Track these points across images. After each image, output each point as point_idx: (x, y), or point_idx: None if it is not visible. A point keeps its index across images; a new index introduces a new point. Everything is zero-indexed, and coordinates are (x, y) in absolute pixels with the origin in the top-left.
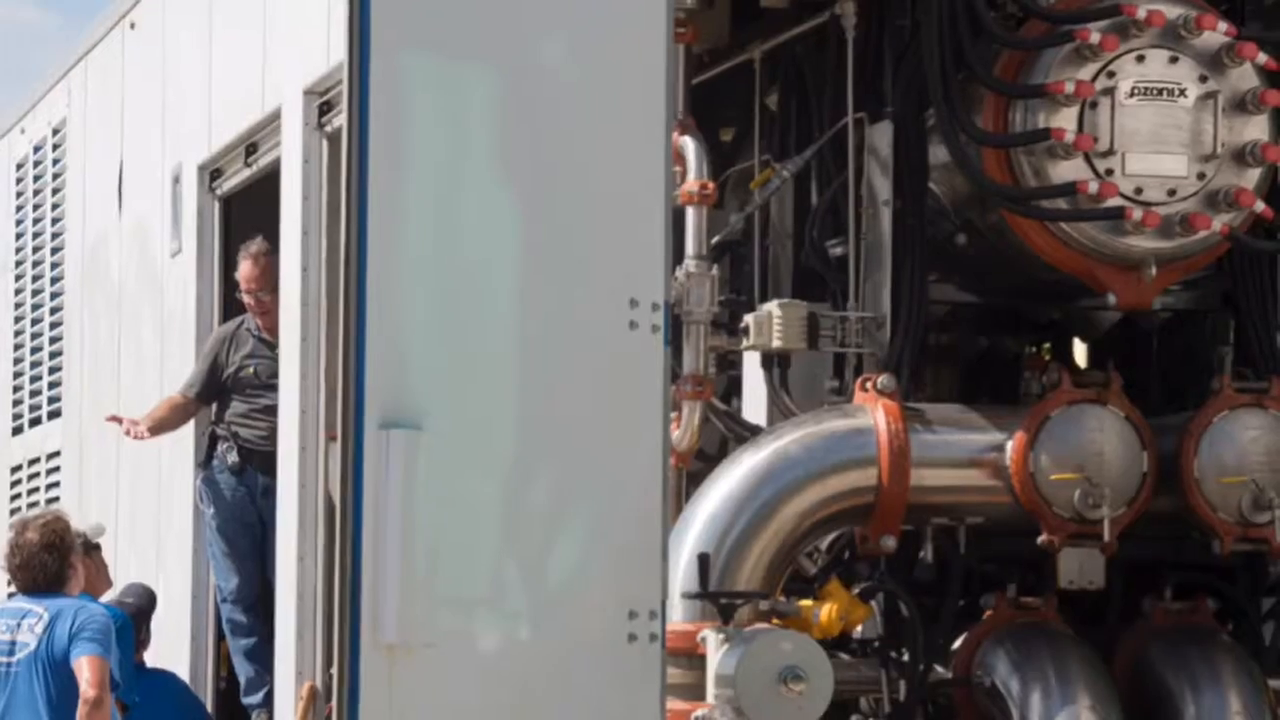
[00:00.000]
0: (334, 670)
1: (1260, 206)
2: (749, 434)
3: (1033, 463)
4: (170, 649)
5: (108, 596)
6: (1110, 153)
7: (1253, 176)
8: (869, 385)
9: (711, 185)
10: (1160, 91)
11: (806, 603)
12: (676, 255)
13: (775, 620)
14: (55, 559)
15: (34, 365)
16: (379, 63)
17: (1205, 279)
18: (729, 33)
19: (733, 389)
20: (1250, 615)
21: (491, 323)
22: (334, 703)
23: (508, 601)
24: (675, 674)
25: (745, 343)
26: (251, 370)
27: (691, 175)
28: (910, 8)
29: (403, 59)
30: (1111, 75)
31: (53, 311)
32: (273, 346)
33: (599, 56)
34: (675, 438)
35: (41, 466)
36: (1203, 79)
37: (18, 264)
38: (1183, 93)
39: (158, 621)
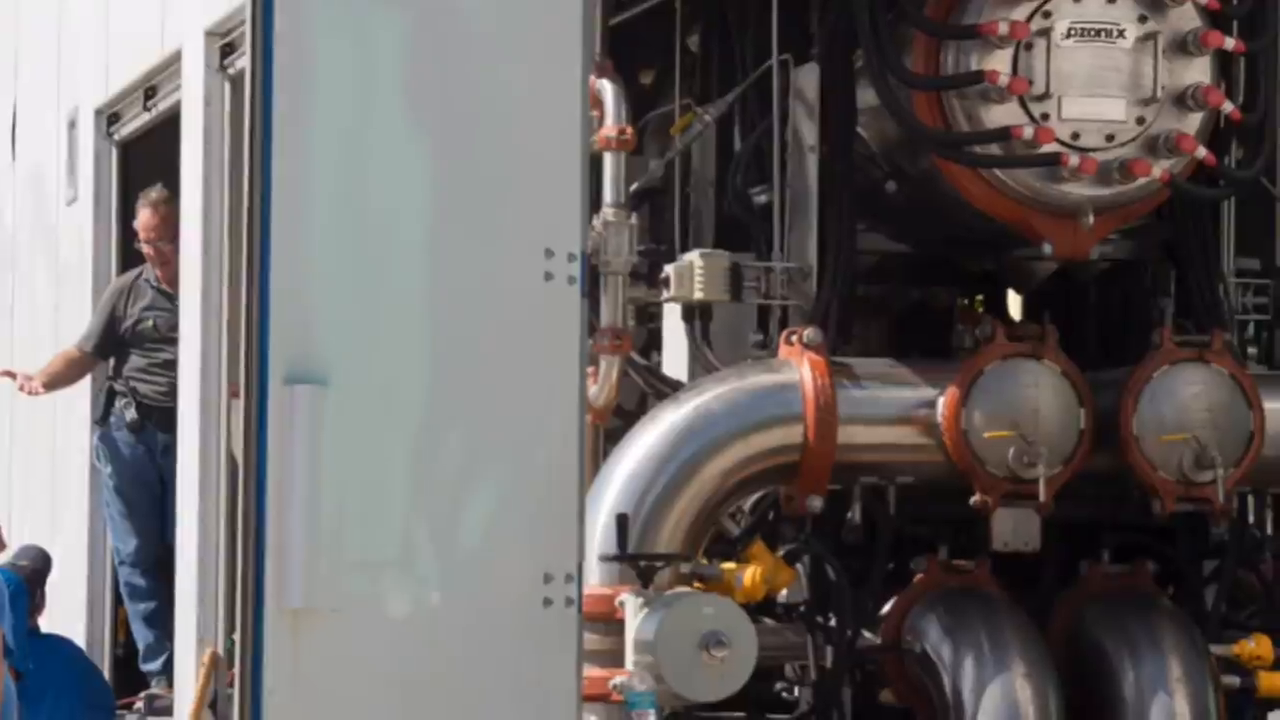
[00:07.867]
0: (237, 636)
1: (1202, 152)
2: (669, 390)
3: (965, 420)
4: (66, 614)
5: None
6: (1046, 96)
7: (1194, 121)
8: (794, 339)
9: (630, 130)
10: (1098, 32)
11: (729, 565)
12: (593, 203)
13: (697, 584)
14: None
15: None
16: (283, 2)
17: (1144, 228)
18: None
19: (652, 342)
20: (1191, 579)
21: (400, 274)
22: (237, 670)
23: (418, 565)
24: (592, 639)
25: (665, 294)
26: (151, 323)
27: (609, 120)
28: None
29: None
30: (1047, 15)
31: None
32: (173, 298)
33: None
34: (592, 394)
35: None
36: (1142, 19)
37: None
38: (1121, 34)
39: (52, 585)
